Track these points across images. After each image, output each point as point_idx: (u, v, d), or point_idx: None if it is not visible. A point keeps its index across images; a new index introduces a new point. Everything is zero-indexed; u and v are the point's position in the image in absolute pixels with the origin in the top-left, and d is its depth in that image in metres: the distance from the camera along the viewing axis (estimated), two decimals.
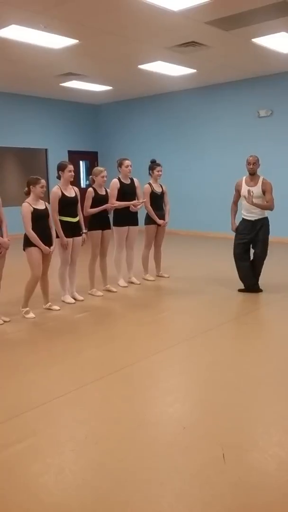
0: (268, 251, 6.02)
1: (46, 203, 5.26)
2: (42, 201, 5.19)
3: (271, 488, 2.32)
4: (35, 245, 5.06)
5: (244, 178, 5.95)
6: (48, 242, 5.17)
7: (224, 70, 9.59)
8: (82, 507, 2.22)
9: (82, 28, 6.79)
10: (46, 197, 5.72)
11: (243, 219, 6.00)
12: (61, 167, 5.55)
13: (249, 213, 5.90)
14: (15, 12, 6.11)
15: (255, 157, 5.84)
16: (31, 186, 5.07)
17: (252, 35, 7.24)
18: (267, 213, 5.94)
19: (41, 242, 5.06)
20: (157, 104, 12.23)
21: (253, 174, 5.85)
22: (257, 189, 5.78)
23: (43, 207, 5.17)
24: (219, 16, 6.32)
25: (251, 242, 5.97)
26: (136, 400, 3.31)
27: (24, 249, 5.12)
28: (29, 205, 5.04)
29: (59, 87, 10.94)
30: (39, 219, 5.09)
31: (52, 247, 5.22)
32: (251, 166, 5.80)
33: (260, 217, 5.88)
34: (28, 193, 5.11)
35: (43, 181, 5.11)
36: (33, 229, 5.03)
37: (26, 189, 5.11)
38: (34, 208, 5.05)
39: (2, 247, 4.83)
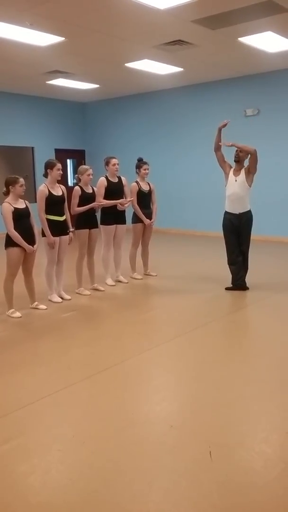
0: (251, 246, 6.16)
1: (26, 202, 5.21)
2: (21, 200, 5.15)
3: (258, 486, 2.34)
4: (17, 245, 5.02)
5: (232, 169, 6.04)
6: (31, 240, 5.13)
7: (210, 69, 9.61)
8: (69, 507, 2.21)
9: (68, 26, 6.75)
10: (32, 196, 5.67)
11: (226, 212, 6.06)
12: (49, 165, 5.51)
13: (232, 206, 5.97)
14: (0, 9, 6.05)
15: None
16: (10, 186, 5.02)
17: (238, 34, 7.26)
18: (250, 206, 6.02)
19: (24, 242, 5.02)
20: (144, 102, 12.22)
21: (237, 161, 5.94)
22: (241, 177, 5.90)
23: (24, 206, 5.13)
24: (205, 14, 6.33)
25: (239, 238, 6.02)
26: (123, 399, 3.31)
27: (5, 248, 5.08)
28: (9, 204, 4.99)
29: (46, 85, 10.86)
30: (21, 218, 5.05)
31: (35, 246, 5.19)
32: (236, 153, 5.91)
33: (244, 210, 5.95)
34: (7, 193, 5.06)
35: (21, 180, 5.08)
36: (15, 228, 4.98)
37: (5, 189, 5.07)
38: (14, 208, 5.01)
39: None
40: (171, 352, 4.19)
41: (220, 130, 6.01)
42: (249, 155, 5.88)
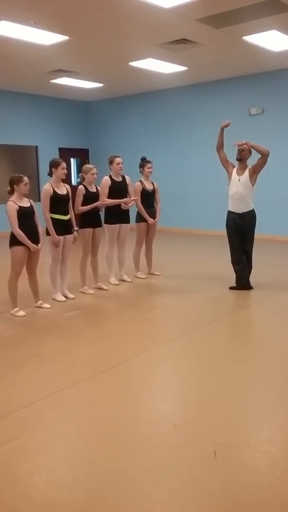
0: (255, 246, 6.13)
1: (31, 201, 5.22)
2: (26, 198, 5.15)
3: (262, 485, 2.33)
4: (21, 244, 5.02)
5: (235, 168, 6.01)
6: (35, 239, 5.13)
7: (215, 67, 9.59)
8: (73, 507, 2.21)
9: (73, 25, 6.75)
10: (36, 195, 5.67)
11: (230, 211, 6.04)
12: (54, 164, 5.52)
13: (235, 205, 5.95)
14: (5, 8, 6.06)
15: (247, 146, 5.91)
16: (14, 185, 5.03)
17: (243, 33, 7.24)
18: (253, 205, 6.00)
19: (28, 241, 5.03)
20: (148, 101, 12.21)
21: (239, 160, 5.92)
22: (244, 177, 5.86)
23: (28, 205, 5.13)
24: (210, 13, 6.32)
25: (242, 237, 6.00)
26: (127, 398, 3.31)
27: (10, 247, 5.08)
28: (14, 203, 5.00)
29: (50, 84, 10.87)
30: (25, 217, 5.05)
31: (39, 245, 5.19)
32: (238, 152, 5.89)
33: (247, 209, 5.93)
34: (11, 192, 5.07)
35: (25, 179, 5.08)
36: (19, 227, 4.99)
37: (9, 188, 5.07)
38: (19, 206, 5.02)
39: None
40: (175, 351, 4.19)
41: (222, 130, 6.00)
42: (251, 154, 5.86)
